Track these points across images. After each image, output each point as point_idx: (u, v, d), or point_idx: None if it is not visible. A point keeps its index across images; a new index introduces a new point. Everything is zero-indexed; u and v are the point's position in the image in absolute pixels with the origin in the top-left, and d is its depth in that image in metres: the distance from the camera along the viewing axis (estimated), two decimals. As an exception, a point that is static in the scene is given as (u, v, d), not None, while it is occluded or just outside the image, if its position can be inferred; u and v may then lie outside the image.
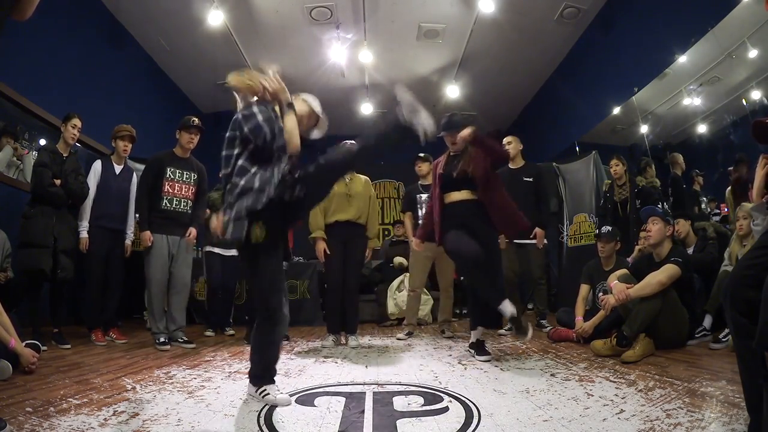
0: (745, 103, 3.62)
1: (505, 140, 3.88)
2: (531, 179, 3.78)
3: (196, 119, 3.30)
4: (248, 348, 3.04)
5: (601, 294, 2.89)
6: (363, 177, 3.35)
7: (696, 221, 3.61)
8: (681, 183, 4.23)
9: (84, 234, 3.24)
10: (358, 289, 3.32)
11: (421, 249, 3.40)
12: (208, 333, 3.87)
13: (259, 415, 1.50)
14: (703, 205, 4.18)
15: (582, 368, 2.19)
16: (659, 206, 3.77)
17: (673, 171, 4.24)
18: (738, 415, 1.34)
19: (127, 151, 3.42)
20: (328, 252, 3.15)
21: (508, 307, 2.35)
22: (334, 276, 3.16)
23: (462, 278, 3.05)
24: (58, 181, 3.02)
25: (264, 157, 1.63)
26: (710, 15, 3.44)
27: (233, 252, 4.13)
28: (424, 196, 3.74)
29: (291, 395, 1.79)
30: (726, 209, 3.95)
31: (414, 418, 1.47)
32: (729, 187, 3.60)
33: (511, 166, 3.82)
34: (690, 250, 3.25)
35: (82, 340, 3.19)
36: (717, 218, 4.00)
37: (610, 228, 3.24)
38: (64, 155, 3.14)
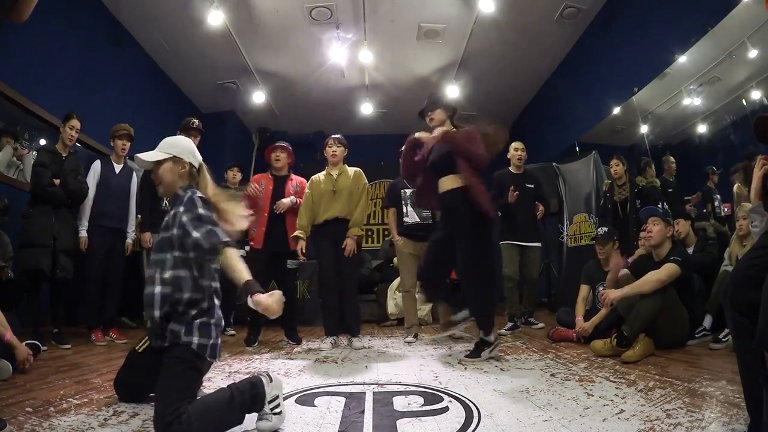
0: (745, 103, 3.62)
1: (519, 146, 3.97)
2: (533, 186, 3.90)
3: (197, 121, 3.30)
4: (248, 349, 3.06)
5: (601, 288, 2.89)
6: (353, 169, 3.27)
7: (706, 220, 3.61)
8: (667, 187, 4.23)
9: (83, 233, 3.24)
10: (356, 289, 3.27)
11: (407, 248, 3.44)
12: (227, 333, 3.86)
13: (259, 415, 1.50)
14: (716, 203, 4.10)
15: (582, 368, 2.19)
16: (659, 206, 3.78)
17: (662, 175, 4.25)
18: (738, 415, 1.34)
19: (125, 149, 3.42)
20: (303, 252, 3.14)
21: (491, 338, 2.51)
22: (328, 275, 3.13)
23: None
24: (57, 181, 3.02)
25: None
26: (710, 15, 3.44)
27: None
28: (409, 191, 3.59)
29: (291, 395, 1.79)
30: (727, 209, 3.94)
31: (414, 418, 1.47)
32: (735, 185, 3.59)
33: (513, 171, 3.95)
34: (690, 250, 3.25)
35: (82, 340, 3.19)
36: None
37: (606, 229, 3.24)
38: (64, 155, 3.14)
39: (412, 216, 3.59)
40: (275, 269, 3.30)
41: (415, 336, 3.40)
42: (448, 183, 2.56)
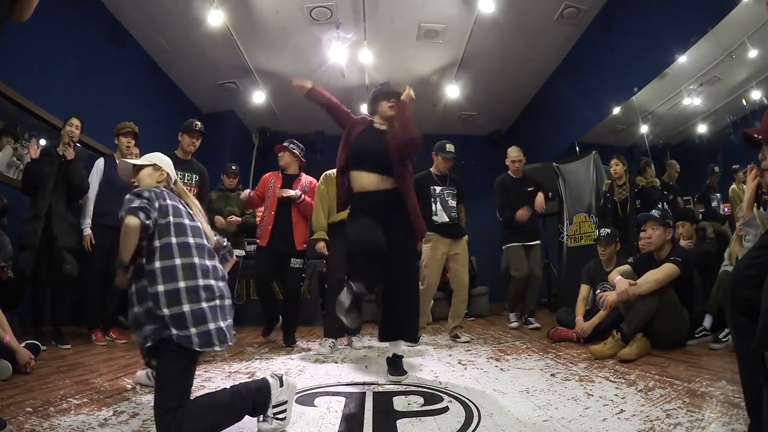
0: (745, 103, 3.62)
1: (514, 155, 4.04)
2: (533, 188, 3.98)
3: (199, 123, 3.31)
4: (249, 349, 3.06)
5: (599, 291, 2.88)
6: None
7: (710, 220, 3.62)
8: (665, 190, 4.24)
9: (88, 231, 3.23)
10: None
11: (438, 247, 3.31)
12: None
13: (259, 415, 1.50)
14: (714, 203, 4.11)
15: (582, 368, 2.19)
16: (659, 206, 3.79)
17: (662, 176, 4.26)
18: (738, 415, 1.34)
19: (129, 147, 3.40)
20: (326, 252, 3.12)
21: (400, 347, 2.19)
22: (336, 275, 3.10)
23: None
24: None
25: None
26: (710, 15, 3.43)
27: (237, 252, 4.13)
28: (439, 188, 3.39)
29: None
30: (727, 209, 3.94)
31: (414, 418, 1.47)
32: (731, 187, 3.60)
33: (513, 175, 4.05)
34: (688, 250, 3.26)
35: (82, 340, 3.19)
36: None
37: (609, 230, 3.24)
38: (67, 157, 3.08)
39: (441, 215, 3.36)
40: (280, 268, 3.28)
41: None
42: (368, 180, 2.18)
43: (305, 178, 3.40)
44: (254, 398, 1.33)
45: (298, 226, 3.28)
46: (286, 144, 3.41)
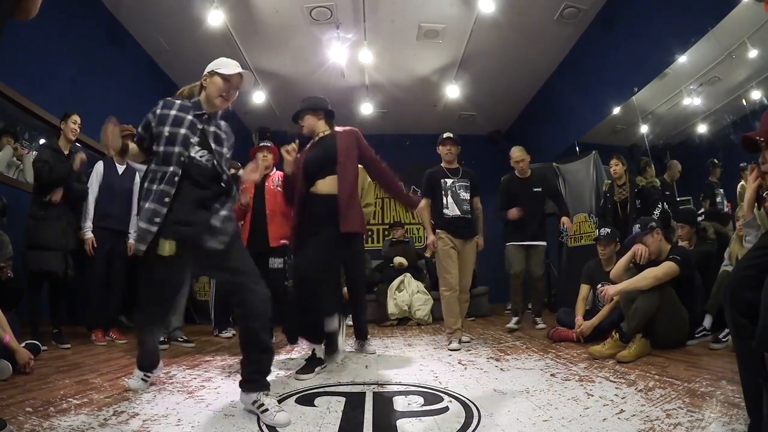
0: (745, 103, 3.62)
1: (516, 156, 3.96)
2: (540, 189, 3.94)
3: None
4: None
5: (600, 286, 2.88)
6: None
7: (709, 219, 3.61)
8: (665, 190, 4.22)
9: (89, 234, 3.23)
10: (365, 290, 3.25)
11: (448, 243, 3.22)
12: (224, 334, 3.83)
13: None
14: (718, 198, 4.00)
15: (582, 368, 2.19)
16: (658, 206, 3.79)
17: (662, 175, 4.25)
18: (738, 415, 1.34)
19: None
20: None
21: (333, 324, 2.34)
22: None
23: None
24: (59, 194, 3.03)
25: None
26: (710, 15, 3.43)
27: None
28: (450, 181, 3.29)
29: (291, 395, 1.79)
30: (728, 209, 3.93)
31: (414, 418, 1.47)
32: (740, 184, 3.59)
33: (519, 175, 4.00)
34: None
35: (82, 340, 3.19)
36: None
37: (609, 230, 3.24)
38: (66, 152, 3.14)
39: (452, 208, 3.25)
40: (262, 269, 3.20)
41: (461, 341, 3.09)
42: (323, 186, 2.34)
43: (277, 174, 3.22)
44: (266, 378, 1.58)
45: (273, 222, 3.10)
46: (269, 144, 3.25)
